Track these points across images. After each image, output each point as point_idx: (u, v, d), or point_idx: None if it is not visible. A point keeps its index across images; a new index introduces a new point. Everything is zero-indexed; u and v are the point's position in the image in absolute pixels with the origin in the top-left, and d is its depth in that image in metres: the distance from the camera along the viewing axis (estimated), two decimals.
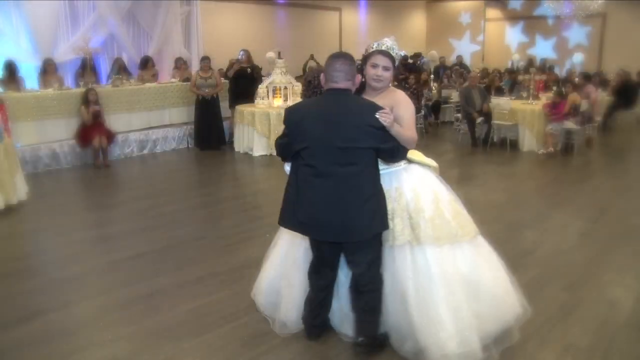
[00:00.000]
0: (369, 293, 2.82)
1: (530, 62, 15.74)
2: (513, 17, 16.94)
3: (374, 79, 2.84)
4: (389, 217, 2.79)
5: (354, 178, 2.63)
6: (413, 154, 2.97)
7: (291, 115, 2.76)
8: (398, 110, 2.79)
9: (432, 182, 2.96)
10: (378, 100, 2.81)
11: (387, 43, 2.85)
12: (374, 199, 2.69)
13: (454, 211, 2.91)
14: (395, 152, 2.72)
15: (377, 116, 2.57)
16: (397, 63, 2.89)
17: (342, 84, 2.67)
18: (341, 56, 2.73)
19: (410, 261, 2.80)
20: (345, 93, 2.69)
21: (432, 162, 3.06)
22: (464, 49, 17.76)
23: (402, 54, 14.90)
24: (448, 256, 2.80)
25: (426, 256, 2.78)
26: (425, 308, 2.74)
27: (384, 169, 2.85)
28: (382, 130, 2.61)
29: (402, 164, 2.91)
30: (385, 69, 2.82)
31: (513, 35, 17.37)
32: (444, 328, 2.70)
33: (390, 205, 2.81)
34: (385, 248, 2.86)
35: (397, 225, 2.80)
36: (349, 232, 2.68)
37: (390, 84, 2.92)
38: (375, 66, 2.83)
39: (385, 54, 2.82)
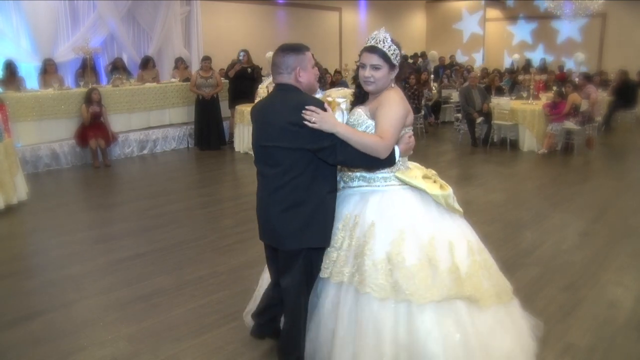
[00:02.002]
0: (284, 316, 2.59)
1: (528, 63, 15.77)
2: (532, 15, 16.69)
3: (363, 81, 2.44)
4: (337, 245, 2.42)
5: (277, 180, 2.37)
6: (410, 176, 2.44)
7: (251, 110, 2.64)
8: (378, 111, 2.39)
9: (410, 218, 2.35)
10: (370, 102, 2.48)
11: (378, 36, 2.40)
12: (302, 209, 2.36)
13: (420, 264, 2.26)
14: (338, 153, 2.30)
15: (302, 114, 2.24)
16: (396, 58, 2.41)
17: (280, 77, 2.42)
18: (281, 48, 2.43)
19: (341, 303, 2.36)
20: (284, 87, 2.41)
21: (433, 190, 2.41)
22: (471, 24, 17.76)
23: (403, 54, 14.93)
24: (388, 312, 2.25)
25: (358, 302, 2.31)
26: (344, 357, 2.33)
27: (358, 186, 2.48)
28: (307, 128, 2.25)
29: (381, 184, 2.44)
30: (375, 68, 2.38)
31: (521, 31, 17.28)
32: None
33: (341, 234, 2.42)
34: (324, 276, 2.46)
35: (340, 259, 2.38)
36: (272, 237, 2.48)
37: (392, 84, 2.47)
38: (363, 67, 2.42)
39: (373, 50, 2.38)
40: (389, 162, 2.36)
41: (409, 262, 2.25)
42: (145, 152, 8.85)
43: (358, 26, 16.11)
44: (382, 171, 2.44)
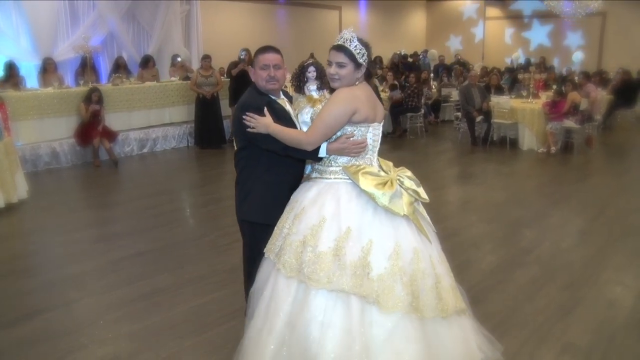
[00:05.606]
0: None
1: (528, 62, 15.76)
2: (561, 18, 16.32)
3: (330, 78, 2.53)
4: (279, 224, 2.56)
5: (234, 158, 2.80)
6: (353, 171, 2.43)
7: None
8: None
9: (336, 208, 2.38)
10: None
11: (345, 35, 2.47)
12: (238, 188, 2.80)
13: (328, 252, 2.29)
14: (276, 147, 2.57)
15: (244, 116, 2.56)
16: (362, 57, 2.45)
17: None
18: None
19: (269, 277, 2.50)
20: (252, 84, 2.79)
21: (367, 187, 2.36)
22: (471, 22, 17.87)
23: (403, 53, 14.94)
24: (290, 289, 2.35)
25: (275, 277, 2.44)
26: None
27: (315, 177, 2.58)
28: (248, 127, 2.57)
29: (330, 177, 2.51)
30: (340, 65, 2.44)
31: (536, 31, 17.13)
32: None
33: (285, 215, 2.56)
34: (263, 250, 2.64)
35: (275, 235, 2.54)
36: None
37: (357, 82, 2.51)
38: (330, 64, 2.50)
39: (339, 48, 2.44)
40: (313, 155, 2.53)
41: (319, 248, 2.31)
42: (145, 150, 8.84)
43: (358, 25, 16.07)
44: (332, 165, 2.52)
